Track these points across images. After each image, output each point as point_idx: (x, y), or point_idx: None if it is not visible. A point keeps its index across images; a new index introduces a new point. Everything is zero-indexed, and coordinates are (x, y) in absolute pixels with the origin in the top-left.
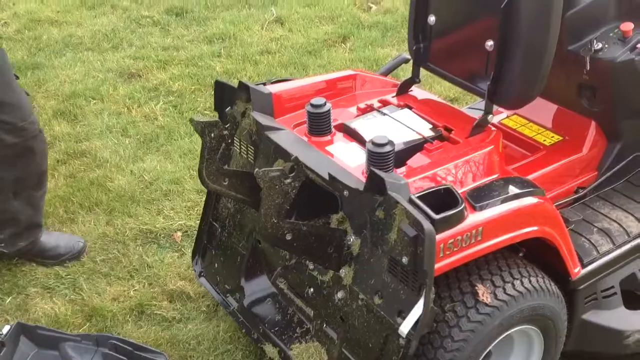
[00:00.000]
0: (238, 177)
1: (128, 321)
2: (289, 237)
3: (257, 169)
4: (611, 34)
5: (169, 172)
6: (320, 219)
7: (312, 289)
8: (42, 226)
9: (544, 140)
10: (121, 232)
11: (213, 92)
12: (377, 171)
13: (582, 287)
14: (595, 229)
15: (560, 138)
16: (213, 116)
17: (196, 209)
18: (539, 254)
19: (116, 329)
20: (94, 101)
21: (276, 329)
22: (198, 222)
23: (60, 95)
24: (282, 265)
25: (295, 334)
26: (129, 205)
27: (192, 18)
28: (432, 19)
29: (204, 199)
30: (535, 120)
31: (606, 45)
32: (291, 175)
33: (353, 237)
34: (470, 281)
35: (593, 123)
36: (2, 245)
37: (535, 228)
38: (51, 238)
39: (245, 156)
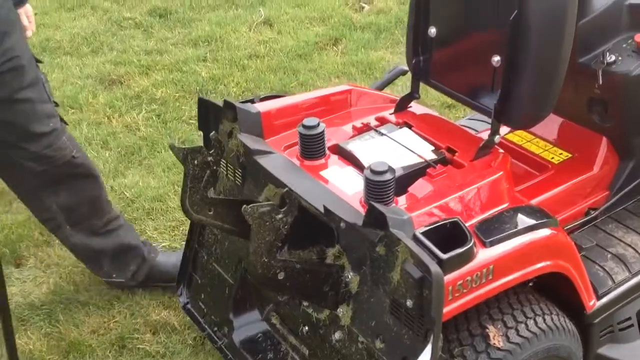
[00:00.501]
0: (224, 206)
1: (108, 357)
2: (281, 276)
3: (245, 206)
4: (625, 45)
5: (152, 188)
6: (314, 249)
7: (306, 327)
8: (148, 244)
9: (552, 158)
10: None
11: (197, 105)
12: (377, 206)
13: (597, 320)
14: (609, 255)
15: (570, 155)
16: (196, 134)
17: (181, 228)
18: (550, 284)
19: None
20: (72, 110)
21: None
22: (183, 243)
23: None
24: (274, 300)
25: None
26: None
27: (177, 19)
28: (432, 30)
29: (188, 220)
30: (542, 135)
31: (619, 58)
32: (283, 210)
33: (351, 274)
34: (479, 322)
35: (604, 139)
36: (114, 276)
37: (549, 262)
38: (172, 257)
39: (232, 179)
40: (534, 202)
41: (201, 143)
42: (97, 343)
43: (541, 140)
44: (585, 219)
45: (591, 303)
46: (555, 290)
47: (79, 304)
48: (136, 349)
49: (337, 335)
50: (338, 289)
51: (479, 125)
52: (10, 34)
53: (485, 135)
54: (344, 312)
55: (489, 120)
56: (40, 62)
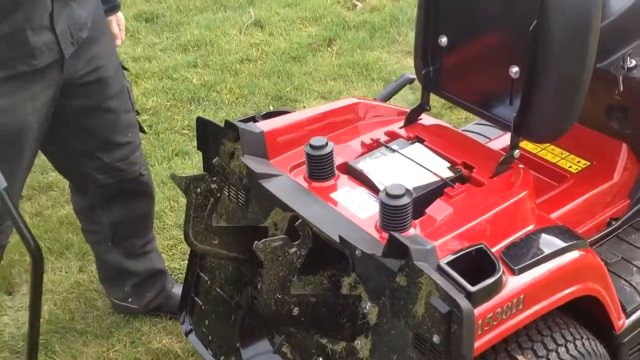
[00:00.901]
0: (230, 234)
1: None
2: (295, 312)
3: (256, 242)
4: None
5: None
6: (326, 275)
7: (320, 358)
8: (168, 274)
9: (570, 167)
10: (97, 280)
11: (194, 122)
12: (398, 236)
13: (626, 339)
14: (635, 269)
15: (588, 163)
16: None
17: (179, 247)
18: (575, 303)
19: None
20: None
21: None
22: (182, 263)
23: None
24: (285, 329)
25: None
26: None
27: (164, 23)
28: (443, 39)
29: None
30: (558, 142)
31: None
32: (296, 243)
33: (369, 305)
34: (508, 351)
35: (624, 146)
36: (130, 300)
37: (580, 286)
38: None
39: (235, 201)
40: (555, 215)
41: (196, 154)
42: None
43: (557, 147)
44: (608, 229)
45: (620, 322)
46: (580, 308)
47: (76, 332)
48: None
49: None
50: (355, 320)
51: (487, 131)
52: (98, 41)
53: (498, 144)
54: (362, 345)
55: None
56: (127, 69)
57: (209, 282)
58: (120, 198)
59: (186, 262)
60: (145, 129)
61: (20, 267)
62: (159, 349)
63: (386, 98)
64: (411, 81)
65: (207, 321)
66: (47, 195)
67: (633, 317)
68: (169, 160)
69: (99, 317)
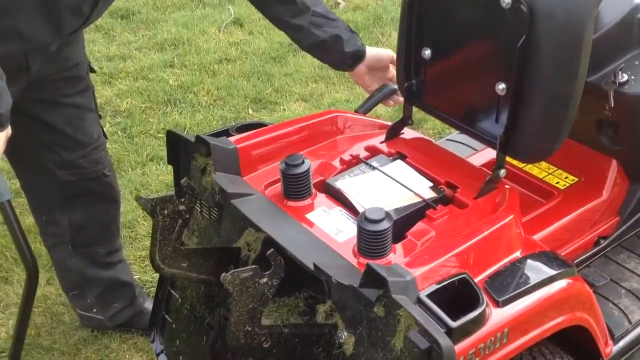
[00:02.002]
0: (200, 256)
1: None
2: (266, 344)
3: (223, 274)
4: (637, 62)
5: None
6: (303, 295)
7: None
8: (139, 287)
9: (557, 183)
10: (64, 294)
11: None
12: (376, 267)
13: None
14: (623, 291)
15: (576, 179)
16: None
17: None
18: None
19: None
20: None
21: None
22: (154, 275)
23: None
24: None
25: None
26: None
27: (140, 21)
28: (427, 52)
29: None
30: None
31: (632, 77)
32: (268, 273)
33: (345, 334)
34: None
35: (614, 162)
36: (95, 311)
37: (568, 316)
38: None
39: (208, 217)
40: (541, 234)
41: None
42: None
43: (544, 162)
44: (596, 249)
45: (608, 350)
46: (566, 335)
47: (42, 349)
48: None
49: None
50: (331, 350)
51: (474, 141)
52: (70, 45)
53: (484, 156)
54: None
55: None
56: (94, 71)
57: (180, 300)
58: (82, 198)
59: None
60: (119, 133)
61: None
62: None
63: (367, 110)
64: (393, 92)
65: (178, 341)
66: (15, 202)
67: (621, 343)
68: (143, 165)
69: (66, 333)
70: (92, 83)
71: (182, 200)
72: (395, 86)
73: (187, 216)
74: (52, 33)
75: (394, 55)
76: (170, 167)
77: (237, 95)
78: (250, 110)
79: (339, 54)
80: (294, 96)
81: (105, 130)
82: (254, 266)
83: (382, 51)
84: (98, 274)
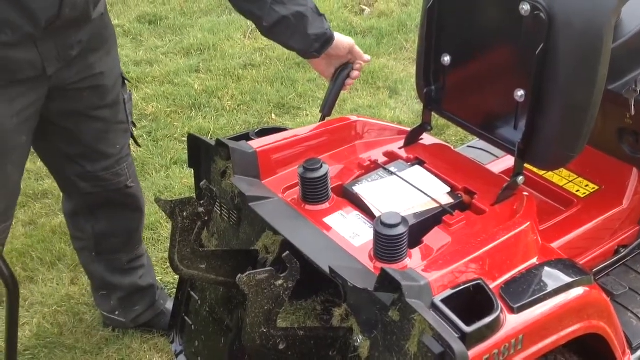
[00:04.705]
0: (218, 258)
1: None
2: (282, 346)
3: (240, 275)
4: None
5: None
6: (320, 298)
7: None
8: (160, 290)
9: (578, 191)
10: (88, 293)
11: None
12: (391, 272)
13: None
14: None
15: (597, 187)
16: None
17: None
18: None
19: None
20: None
21: None
22: (176, 277)
23: None
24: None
25: None
26: None
27: (167, 26)
28: (446, 59)
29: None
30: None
31: None
32: (283, 275)
33: (361, 338)
34: None
35: (635, 170)
36: (117, 313)
37: (584, 324)
38: None
39: (227, 220)
40: (560, 242)
41: None
42: None
43: (564, 170)
44: (615, 257)
45: (625, 359)
46: (583, 343)
47: (65, 348)
48: None
49: None
50: (346, 353)
51: (494, 148)
52: (96, 51)
53: (504, 163)
54: None
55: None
56: (128, 81)
57: (199, 301)
58: (105, 208)
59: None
60: (144, 136)
61: None
62: None
63: (330, 109)
64: (347, 73)
65: (197, 342)
66: (42, 203)
67: (639, 353)
68: (167, 168)
69: (88, 332)
70: (126, 94)
71: (201, 202)
72: (350, 65)
73: (206, 218)
74: (29, 23)
75: (353, 43)
76: (193, 170)
77: (260, 100)
78: (273, 115)
79: (303, 36)
80: (317, 102)
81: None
82: (269, 268)
83: (342, 38)
84: (119, 280)
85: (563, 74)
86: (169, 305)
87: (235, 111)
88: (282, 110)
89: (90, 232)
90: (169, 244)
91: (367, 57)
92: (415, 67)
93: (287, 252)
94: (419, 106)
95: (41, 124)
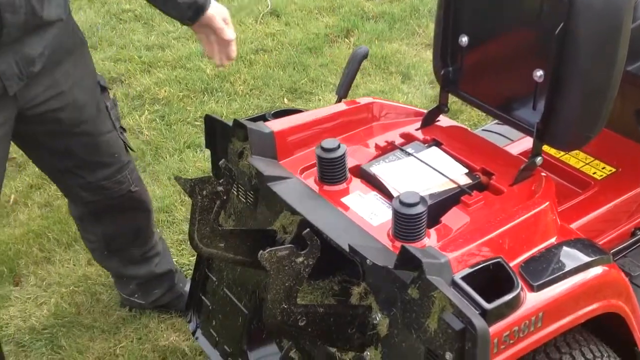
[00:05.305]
0: (237, 237)
1: None
2: (302, 322)
3: (261, 252)
4: None
5: (158, 198)
6: (337, 278)
7: None
8: (178, 273)
9: (594, 173)
10: (105, 274)
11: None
12: (411, 249)
13: None
14: None
15: (613, 170)
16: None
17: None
18: (596, 318)
19: None
20: None
21: None
22: (191, 259)
23: None
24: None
25: None
26: None
27: None
28: (464, 39)
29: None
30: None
31: None
32: (304, 253)
33: (379, 316)
34: None
35: None
36: (137, 296)
37: (603, 303)
38: None
39: (244, 201)
40: (577, 224)
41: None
42: None
43: (581, 152)
44: (632, 239)
45: None
46: (601, 323)
47: (83, 327)
48: None
49: None
50: (365, 330)
51: (509, 131)
52: (60, 65)
53: (520, 146)
54: (371, 356)
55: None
56: (108, 89)
57: (216, 282)
58: (110, 213)
59: (195, 257)
60: (157, 120)
61: (27, 259)
62: (166, 347)
63: (346, 91)
64: (365, 55)
65: (214, 321)
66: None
67: None
68: (180, 152)
69: (106, 312)
70: (108, 101)
71: (220, 181)
72: (365, 47)
73: (225, 197)
74: None
75: (227, 14)
76: (206, 154)
77: (272, 85)
78: (285, 100)
79: (174, 3)
80: (329, 86)
81: (144, 118)
82: (290, 245)
83: (218, 9)
84: (135, 271)
85: (582, 55)
86: (188, 287)
87: (247, 96)
88: (294, 95)
89: (100, 235)
90: (186, 227)
91: (229, 35)
92: (431, 49)
93: (308, 229)
94: (432, 91)
95: (29, 142)
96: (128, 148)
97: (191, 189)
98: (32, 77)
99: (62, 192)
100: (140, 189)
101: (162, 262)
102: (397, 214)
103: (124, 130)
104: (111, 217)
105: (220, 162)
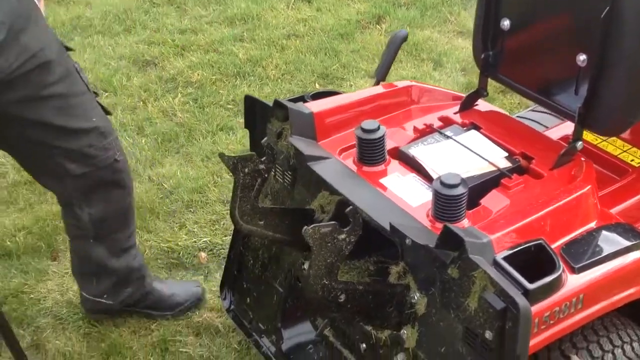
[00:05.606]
0: (276, 215)
1: None
2: (342, 298)
3: (305, 227)
4: None
5: (191, 179)
6: (372, 259)
7: (364, 345)
8: (147, 268)
9: (632, 160)
10: (140, 251)
11: (240, 97)
12: (454, 228)
13: None
14: None
15: None
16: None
17: (222, 222)
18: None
19: None
20: (106, 94)
21: None
22: (224, 238)
23: None
24: (329, 314)
25: None
26: (148, 219)
27: None
28: (506, 23)
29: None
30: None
31: None
32: (346, 230)
33: (418, 295)
34: (561, 350)
35: None
36: (105, 297)
37: None
38: (165, 286)
39: (282, 181)
40: (614, 210)
41: (240, 129)
42: (138, 345)
43: (618, 139)
44: None
45: None
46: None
47: None
48: (179, 352)
49: (400, 357)
50: (402, 309)
51: (543, 119)
52: (25, 30)
53: (555, 134)
54: (408, 335)
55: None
56: (71, 49)
57: (251, 260)
58: (98, 191)
59: (229, 237)
60: (190, 102)
61: (64, 235)
62: (200, 323)
63: (385, 73)
64: (404, 39)
65: (248, 299)
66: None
67: None
68: (213, 134)
69: None
70: (75, 63)
71: (262, 159)
72: (404, 30)
73: (266, 175)
74: None
75: None
76: (239, 137)
77: (304, 70)
78: (317, 85)
79: None
80: (360, 72)
81: (177, 100)
82: (333, 222)
83: None
84: (118, 263)
85: (627, 39)
86: (157, 285)
87: (279, 80)
88: (325, 81)
89: (87, 219)
90: (219, 208)
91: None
92: (463, 37)
93: (351, 207)
94: (463, 78)
95: (6, 125)
96: (105, 111)
97: (234, 166)
98: None
99: (50, 179)
100: (123, 159)
101: (137, 256)
102: (437, 195)
103: (97, 94)
104: (99, 195)
105: (263, 140)
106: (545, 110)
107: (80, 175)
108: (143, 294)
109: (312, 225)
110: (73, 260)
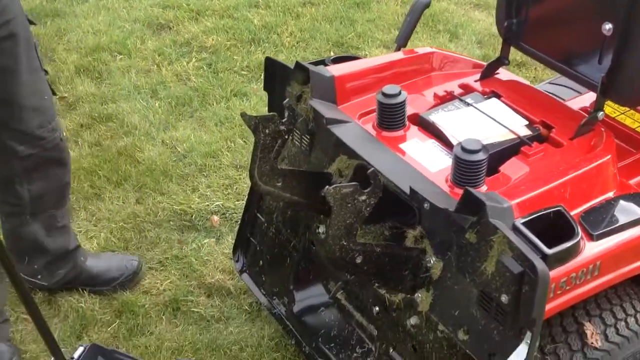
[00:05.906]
0: (294, 177)
1: (162, 319)
2: (359, 260)
3: (327, 187)
4: None
5: (204, 143)
6: (388, 224)
7: (377, 308)
8: (80, 248)
9: None
10: (153, 213)
11: (254, 63)
12: (475, 192)
13: None
14: None
15: None
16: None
17: (235, 187)
18: None
19: (149, 328)
20: (120, 56)
21: (331, 344)
22: (236, 203)
23: (83, 49)
24: (342, 277)
25: (355, 354)
26: (161, 181)
27: None
28: None
29: (242, 175)
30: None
31: None
32: (366, 191)
33: (434, 259)
34: (575, 317)
35: None
36: (39, 277)
37: None
38: (100, 261)
39: (299, 145)
40: (632, 182)
41: (254, 95)
42: (150, 304)
43: (636, 112)
44: None
45: None
46: None
47: None
48: (190, 312)
49: (413, 320)
50: (418, 273)
51: (560, 91)
52: None
53: (575, 104)
54: (422, 298)
55: (575, 86)
56: (33, 23)
57: (265, 223)
58: (40, 169)
59: (241, 202)
60: (204, 67)
61: (78, 194)
62: (212, 284)
63: (406, 39)
64: (427, 5)
65: (261, 262)
66: (106, 126)
67: None
68: (227, 100)
69: (152, 249)
70: (34, 39)
71: (283, 120)
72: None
73: (287, 137)
74: None
75: None
76: (252, 103)
77: (319, 38)
78: (332, 53)
79: None
80: (375, 42)
81: (192, 65)
82: (354, 183)
83: None
84: (52, 243)
85: None
86: (90, 262)
87: (294, 48)
88: (340, 49)
89: (27, 196)
90: (232, 172)
91: None
92: (480, 10)
93: (372, 169)
94: (479, 51)
95: None
96: (52, 91)
97: (255, 126)
98: None
99: None
100: (65, 138)
101: (71, 235)
102: (458, 160)
103: (47, 72)
104: (40, 173)
105: (285, 102)
106: (561, 83)
107: (28, 156)
108: (77, 273)
109: (333, 185)
110: (5, 238)
